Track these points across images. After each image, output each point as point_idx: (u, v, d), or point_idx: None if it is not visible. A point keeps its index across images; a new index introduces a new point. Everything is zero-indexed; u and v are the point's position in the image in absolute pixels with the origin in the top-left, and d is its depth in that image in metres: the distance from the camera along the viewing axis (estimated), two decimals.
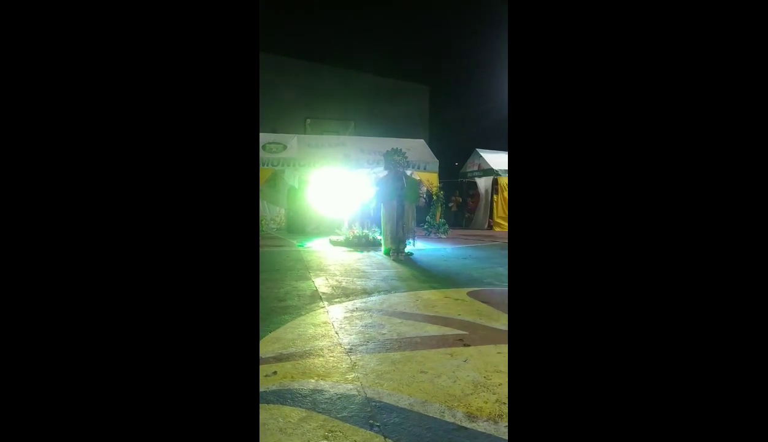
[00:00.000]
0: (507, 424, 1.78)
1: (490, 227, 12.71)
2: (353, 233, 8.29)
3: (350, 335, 2.94)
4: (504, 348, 2.68)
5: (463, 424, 1.78)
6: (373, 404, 1.95)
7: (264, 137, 10.34)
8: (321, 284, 4.61)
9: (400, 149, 7.31)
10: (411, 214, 7.06)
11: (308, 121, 15.11)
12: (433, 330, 3.05)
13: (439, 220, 10.53)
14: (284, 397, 1.99)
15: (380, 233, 7.25)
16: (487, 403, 1.96)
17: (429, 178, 10.88)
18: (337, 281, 4.83)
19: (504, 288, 4.52)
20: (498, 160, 13.05)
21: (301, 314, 3.43)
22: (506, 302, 3.87)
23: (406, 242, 6.96)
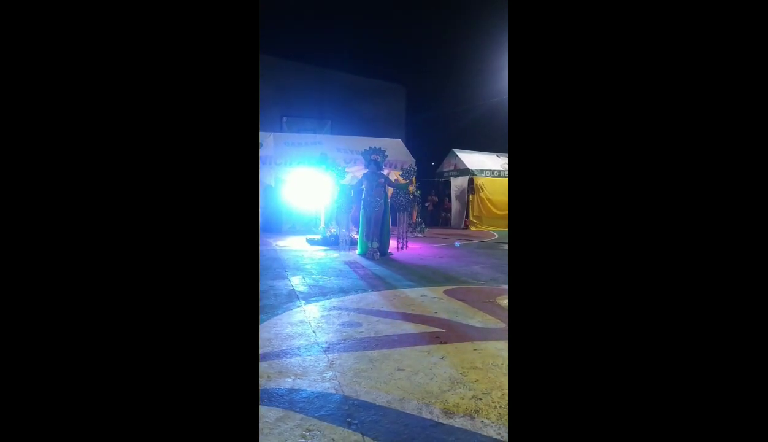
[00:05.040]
0: (483, 419, 1.80)
1: (466, 227, 12.84)
2: (330, 231, 8.25)
3: (327, 333, 2.93)
4: (480, 345, 2.71)
5: (440, 420, 1.80)
6: (351, 402, 1.94)
7: None
8: (298, 283, 4.58)
9: (380, 148, 7.33)
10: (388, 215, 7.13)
11: (285, 119, 14.96)
12: (410, 328, 3.07)
13: (415, 219, 10.58)
14: (260, 397, 1.97)
15: (357, 232, 7.25)
16: (463, 399, 1.98)
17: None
18: (314, 279, 4.81)
19: (480, 286, 4.58)
20: (474, 160, 13.20)
21: (278, 313, 3.40)
22: (482, 300, 3.92)
23: (387, 242, 7.01)
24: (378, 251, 6.74)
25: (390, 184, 7.43)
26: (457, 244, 8.92)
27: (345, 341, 2.79)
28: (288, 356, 2.52)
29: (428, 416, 1.83)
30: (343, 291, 4.26)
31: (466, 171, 13.00)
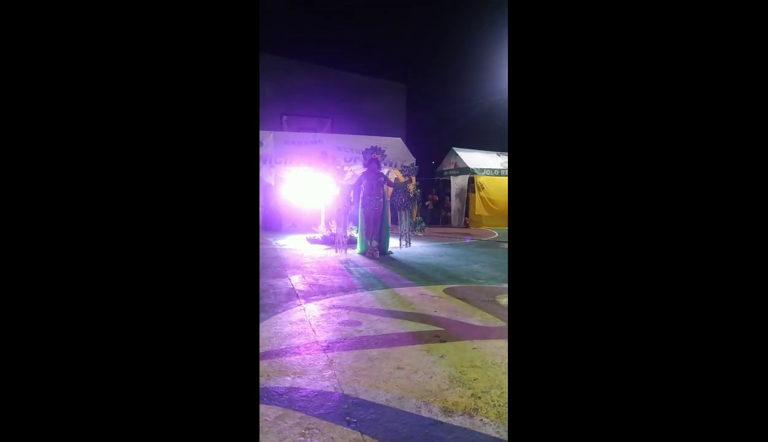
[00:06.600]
0: (482, 418, 1.81)
1: (466, 225, 12.84)
2: (330, 230, 8.25)
3: (327, 332, 2.94)
4: (479, 344, 2.72)
5: (439, 418, 1.80)
6: (350, 400, 1.95)
7: None
8: (298, 282, 4.58)
9: (379, 147, 7.34)
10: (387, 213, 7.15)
11: (285, 117, 14.94)
12: (409, 327, 3.07)
13: (415, 218, 10.58)
14: (260, 395, 1.97)
15: (357, 231, 7.26)
16: (462, 398, 1.99)
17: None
18: (314, 278, 4.81)
19: (479, 285, 4.58)
20: (474, 158, 13.19)
21: (278, 312, 3.40)
22: (482, 298, 3.92)
23: (387, 241, 7.01)
24: (378, 250, 6.75)
25: (389, 183, 7.43)
26: (468, 239, 8.99)
27: (344, 339, 2.79)
28: (287, 354, 2.53)
29: (427, 415, 1.83)
30: (343, 290, 4.26)
31: (466, 170, 12.99)
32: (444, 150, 14.38)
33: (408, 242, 7.64)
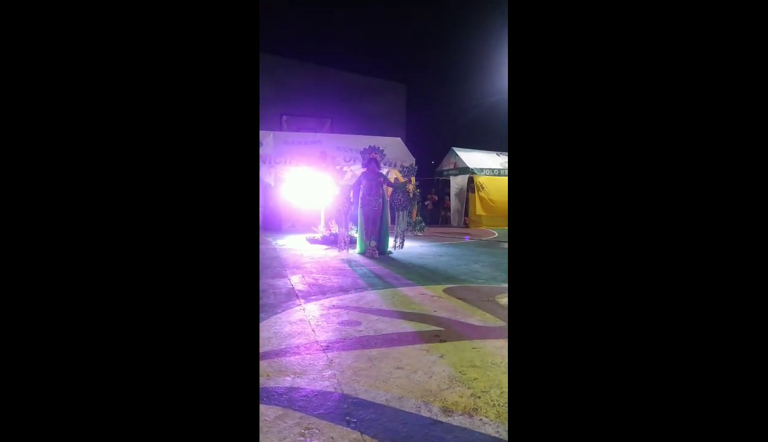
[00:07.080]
0: (481, 417, 1.81)
1: (466, 225, 12.84)
2: (330, 230, 8.25)
3: (327, 332, 2.94)
4: (478, 343, 2.72)
5: (439, 418, 1.80)
6: (350, 400, 1.95)
7: None
8: (297, 282, 4.58)
9: (378, 147, 7.34)
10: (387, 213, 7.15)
11: (284, 117, 14.95)
12: (409, 326, 3.07)
13: (415, 218, 10.58)
14: (260, 395, 1.98)
15: (357, 231, 7.26)
16: (462, 397, 1.99)
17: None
18: (313, 278, 4.81)
19: (479, 285, 4.58)
20: (473, 158, 13.20)
21: (277, 312, 3.40)
22: (481, 298, 3.92)
23: (386, 241, 7.01)
24: (377, 250, 6.75)
25: (389, 183, 7.43)
26: (467, 238, 9.02)
27: (344, 339, 2.79)
28: (287, 354, 2.53)
29: (427, 414, 1.83)
30: (343, 290, 4.26)
31: (465, 169, 12.99)
32: (444, 150, 14.38)
33: (401, 244, 7.58)
